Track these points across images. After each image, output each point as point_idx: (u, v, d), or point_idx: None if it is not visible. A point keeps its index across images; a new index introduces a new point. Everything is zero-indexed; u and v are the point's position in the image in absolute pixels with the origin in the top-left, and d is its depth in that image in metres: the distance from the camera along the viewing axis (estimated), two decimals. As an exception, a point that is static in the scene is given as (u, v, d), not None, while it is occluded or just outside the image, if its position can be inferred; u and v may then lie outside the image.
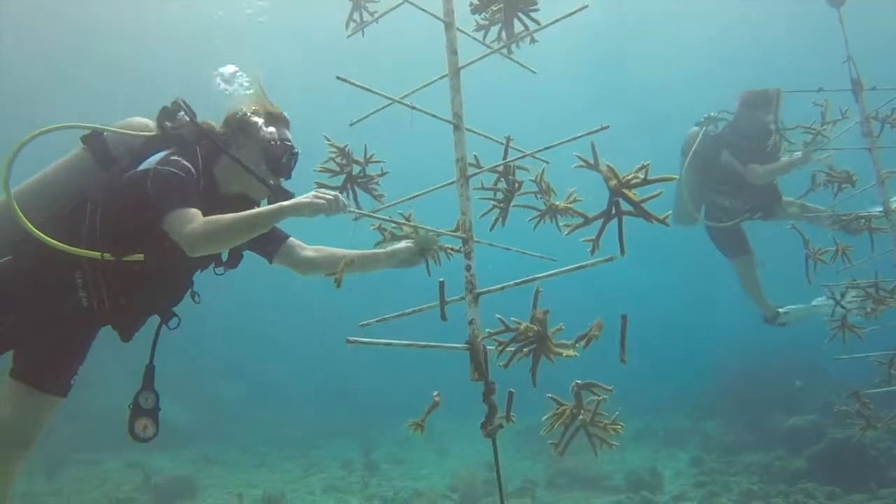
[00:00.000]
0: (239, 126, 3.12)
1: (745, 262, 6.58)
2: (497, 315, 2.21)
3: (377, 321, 2.71)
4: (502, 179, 2.91)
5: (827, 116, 4.48)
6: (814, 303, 6.79)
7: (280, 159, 3.12)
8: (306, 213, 2.68)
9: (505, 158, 2.86)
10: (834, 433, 8.97)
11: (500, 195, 2.91)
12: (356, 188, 3.11)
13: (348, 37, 2.92)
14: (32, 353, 3.08)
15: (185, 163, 2.92)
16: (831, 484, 8.23)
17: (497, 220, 2.90)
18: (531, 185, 2.90)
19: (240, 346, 21.11)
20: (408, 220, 3.18)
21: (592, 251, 1.94)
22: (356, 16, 2.92)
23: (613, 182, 1.79)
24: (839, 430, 8.87)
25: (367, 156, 3.10)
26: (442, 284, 2.36)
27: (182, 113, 3.10)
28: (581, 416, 2.14)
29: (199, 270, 3.26)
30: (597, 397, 2.15)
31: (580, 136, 2.09)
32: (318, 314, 20.26)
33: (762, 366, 14.05)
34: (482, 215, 2.88)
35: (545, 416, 2.14)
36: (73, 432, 11.18)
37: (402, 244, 3.16)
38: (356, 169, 3.09)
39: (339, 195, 2.69)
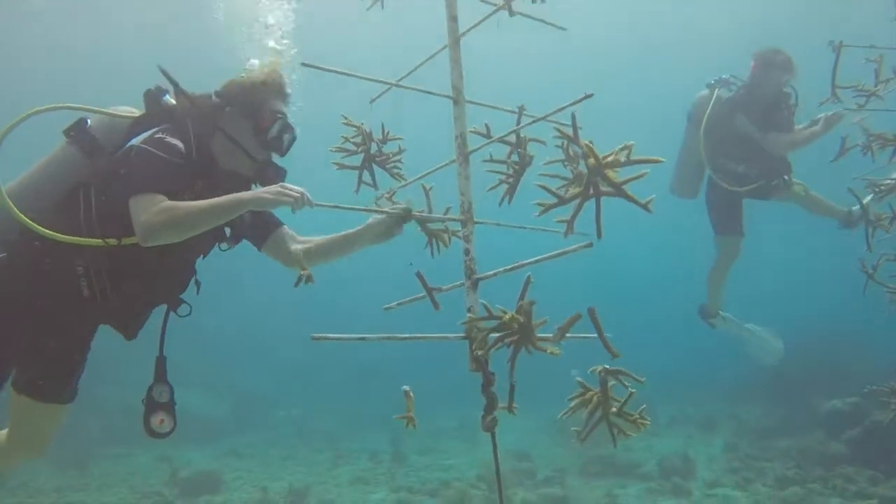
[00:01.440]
0: (231, 95, 2.94)
1: (733, 242, 6.25)
2: (483, 302, 2.06)
3: (397, 304, 2.64)
4: (515, 153, 2.71)
5: (881, 74, 4.11)
6: (747, 325, 6.69)
7: (267, 131, 2.90)
8: (268, 207, 2.55)
9: (518, 129, 2.67)
10: (875, 415, 8.64)
11: (507, 171, 2.72)
12: (374, 167, 2.97)
13: (367, 9, 2.79)
14: (33, 363, 2.97)
15: (172, 140, 2.76)
16: (873, 469, 7.95)
17: (505, 196, 2.71)
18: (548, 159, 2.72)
19: (270, 336, 21.18)
20: (427, 193, 2.99)
21: (566, 233, 1.78)
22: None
23: (592, 161, 1.62)
24: (881, 413, 8.53)
25: (385, 133, 2.96)
26: (419, 274, 2.21)
27: (167, 96, 2.95)
28: (611, 410, 1.99)
29: (201, 256, 3.12)
30: (624, 385, 2.00)
31: (564, 108, 1.91)
32: (348, 301, 20.28)
33: (800, 347, 13.65)
34: (490, 189, 2.71)
35: (568, 397, 2.01)
36: (104, 427, 11.29)
37: (375, 217, 2.95)
38: (374, 148, 2.96)
39: (305, 191, 2.52)
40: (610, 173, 1.65)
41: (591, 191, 1.69)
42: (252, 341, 20.29)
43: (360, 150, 2.93)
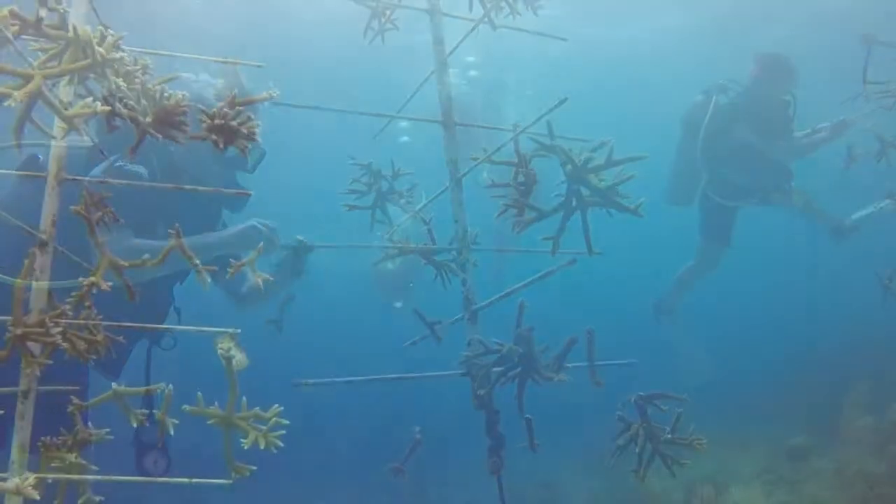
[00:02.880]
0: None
1: (714, 251, 6.09)
2: (477, 337, 1.90)
3: (411, 343, 2.49)
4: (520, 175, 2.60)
5: None
6: (689, 341, 6.96)
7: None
8: (237, 251, 2.52)
9: (517, 147, 2.56)
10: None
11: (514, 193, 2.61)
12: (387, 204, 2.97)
13: (369, 43, 2.79)
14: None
15: (133, 168, 2.66)
16: (914, 488, 7.63)
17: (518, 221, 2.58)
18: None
19: (288, 369, 21.01)
20: (427, 223, 2.91)
21: (553, 252, 1.62)
22: (374, 23, 2.76)
23: (570, 167, 1.45)
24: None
25: (395, 170, 2.92)
26: (417, 312, 2.11)
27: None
28: (664, 436, 1.94)
29: (178, 283, 2.99)
30: (661, 409, 1.97)
31: (541, 117, 1.78)
32: (358, 336, 20.12)
33: (833, 361, 13.28)
34: (498, 215, 2.60)
35: (616, 440, 1.95)
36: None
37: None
38: (385, 185, 2.95)
39: (276, 231, 2.49)
40: (593, 179, 1.47)
41: (574, 202, 1.52)
42: (256, 381, 20.11)
43: (372, 189, 2.89)
